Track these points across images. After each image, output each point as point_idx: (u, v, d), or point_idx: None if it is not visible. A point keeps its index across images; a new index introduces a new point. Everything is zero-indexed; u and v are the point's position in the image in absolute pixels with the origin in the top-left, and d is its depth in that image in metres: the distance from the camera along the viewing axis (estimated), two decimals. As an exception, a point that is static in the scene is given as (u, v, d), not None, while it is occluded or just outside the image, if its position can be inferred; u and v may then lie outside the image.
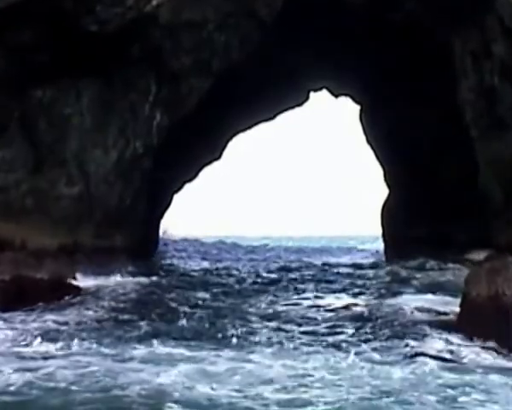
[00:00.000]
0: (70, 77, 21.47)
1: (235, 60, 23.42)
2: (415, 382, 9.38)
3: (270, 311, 15.55)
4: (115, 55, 21.27)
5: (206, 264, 29.68)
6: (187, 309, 15.47)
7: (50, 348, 11.27)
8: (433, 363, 10.37)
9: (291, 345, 11.89)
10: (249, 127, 32.87)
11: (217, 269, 26.26)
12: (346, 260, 33.17)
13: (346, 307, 15.91)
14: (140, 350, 11.08)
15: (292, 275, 24.00)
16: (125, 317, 14.47)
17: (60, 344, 11.46)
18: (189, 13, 21.96)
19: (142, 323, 13.52)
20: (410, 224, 28.94)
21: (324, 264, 29.17)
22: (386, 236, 32.62)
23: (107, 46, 20.73)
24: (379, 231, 33.49)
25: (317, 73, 29.35)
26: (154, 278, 21.25)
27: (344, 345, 11.85)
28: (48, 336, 12.19)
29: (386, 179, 32.76)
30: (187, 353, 10.97)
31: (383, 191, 33.35)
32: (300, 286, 20.31)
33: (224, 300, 17.23)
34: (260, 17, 22.46)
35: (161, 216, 31.77)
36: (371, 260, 32.47)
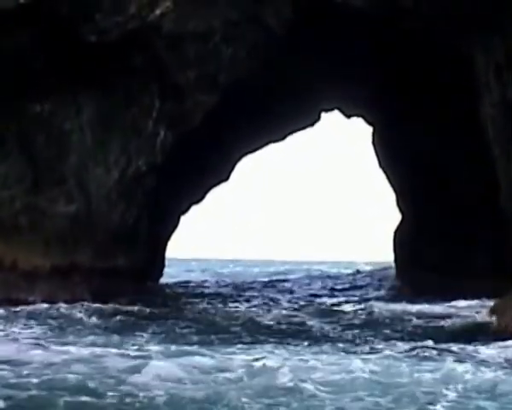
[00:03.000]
0: (69, 90, 21.08)
1: (243, 72, 22.60)
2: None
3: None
4: (116, 67, 20.76)
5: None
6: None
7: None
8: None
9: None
10: (258, 148, 31.97)
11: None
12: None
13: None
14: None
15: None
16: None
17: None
18: (194, 22, 21.16)
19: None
20: (425, 250, 27.99)
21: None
22: (398, 262, 31.63)
23: (107, 57, 20.20)
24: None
25: (328, 85, 28.35)
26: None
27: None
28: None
29: (398, 204, 31.90)
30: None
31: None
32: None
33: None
34: (269, 26, 21.61)
35: (168, 238, 30.93)
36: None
